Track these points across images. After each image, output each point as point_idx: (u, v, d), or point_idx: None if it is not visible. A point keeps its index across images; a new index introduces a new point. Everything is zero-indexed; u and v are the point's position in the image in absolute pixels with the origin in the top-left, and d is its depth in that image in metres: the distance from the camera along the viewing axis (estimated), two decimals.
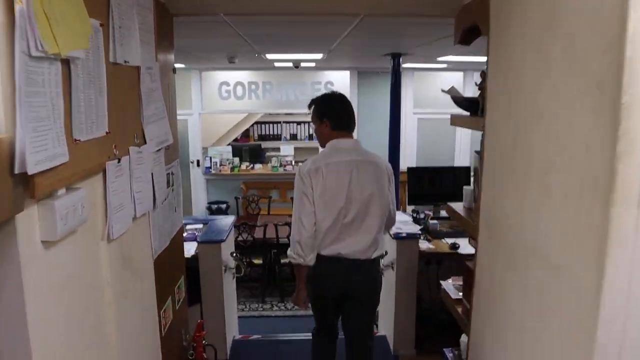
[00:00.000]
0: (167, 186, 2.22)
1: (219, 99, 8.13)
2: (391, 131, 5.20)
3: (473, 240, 2.03)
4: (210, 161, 8.26)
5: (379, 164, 2.78)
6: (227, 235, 3.67)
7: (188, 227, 3.99)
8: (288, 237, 5.45)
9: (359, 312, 2.90)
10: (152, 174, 1.92)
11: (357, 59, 7.02)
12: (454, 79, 8.34)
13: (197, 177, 8.34)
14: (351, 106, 2.85)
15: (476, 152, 2.04)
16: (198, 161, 8.26)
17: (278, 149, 9.33)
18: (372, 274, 2.83)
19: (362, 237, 2.73)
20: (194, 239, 3.77)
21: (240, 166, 8.35)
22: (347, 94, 8.32)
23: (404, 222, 3.89)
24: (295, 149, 9.23)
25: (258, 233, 5.65)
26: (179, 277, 2.44)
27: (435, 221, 4.05)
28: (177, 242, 2.38)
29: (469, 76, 8.20)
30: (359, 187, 2.68)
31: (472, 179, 2.33)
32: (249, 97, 8.17)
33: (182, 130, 8.19)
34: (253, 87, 8.14)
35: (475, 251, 1.96)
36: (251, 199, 7.07)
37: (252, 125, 10.58)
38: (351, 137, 2.82)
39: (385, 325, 4.14)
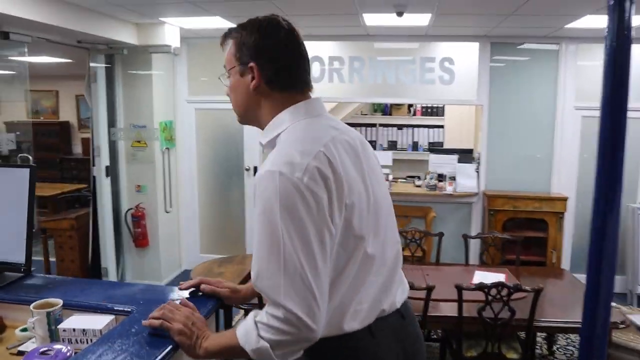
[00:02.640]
0: None
1: None
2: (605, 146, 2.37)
3: None
4: None
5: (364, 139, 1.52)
6: None
7: (63, 325, 1.44)
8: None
9: None
10: None
11: (492, 19, 4.25)
12: None
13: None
14: (300, 36, 1.44)
15: None
16: (255, 168, 5.83)
17: None
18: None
19: (397, 261, 1.54)
20: None
21: None
22: (474, 78, 5.33)
23: None
24: (395, 161, 6.54)
25: None
26: None
27: None
28: None
29: None
30: (375, 180, 1.43)
31: None
32: (329, 79, 5.64)
33: (236, 125, 5.79)
34: (336, 63, 5.59)
35: None
36: None
37: None
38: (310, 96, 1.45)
39: None
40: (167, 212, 5.50)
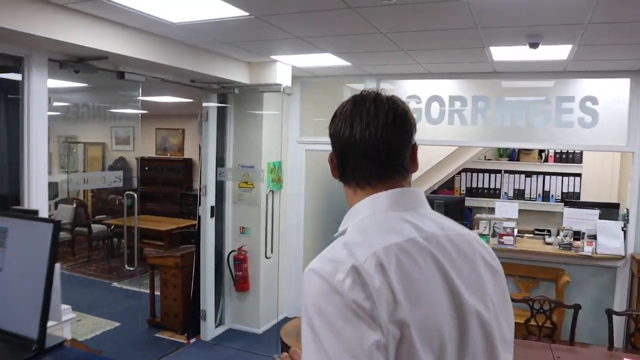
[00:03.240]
0: None
1: None
2: None
3: None
4: None
5: (479, 242, 1.15)
6: None
7: None
8: None
9: None
10: None
11: None
12: None
13: None
14: (391, 115, 1.12)
15: None
16: None
17: (492, 210, 5.96)
18: None
19: None
20: None
21: None
22: (623, 120, 4.48)
23: None
24: (521, 212, 5.82)
25: None
26: None
27: None
28: None
29: None
30: (479, 306, 1.06)
31: None
32: (449, 120, 5.15)
33: None
34: (457, 104, 5.11)
35: None
36: None
37: (459, 173, 7.48)
38: (404, 184, 1.15)
39: None
40: (267, 258, 5.26)
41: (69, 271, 7.54)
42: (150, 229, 7.94)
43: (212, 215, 5.08)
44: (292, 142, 5.66)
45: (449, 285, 1.04)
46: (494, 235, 5.02)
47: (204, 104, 5.04)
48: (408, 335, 0.96)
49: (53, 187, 8.87)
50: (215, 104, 5.10)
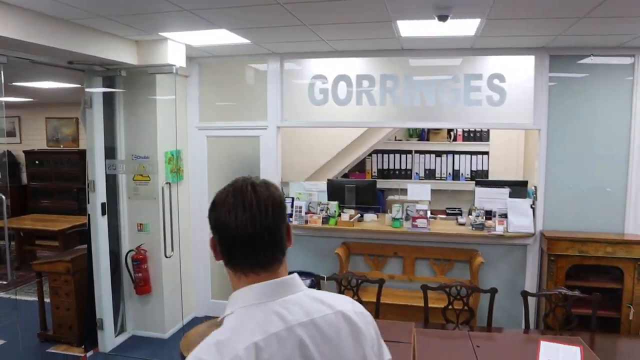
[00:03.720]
0: None
1: (310, 104, 4.97)
2: None
3: None
4: (292, 205, 5.06)
5: (348, 315, 1.24)
6: None
7: None
8: None
9: None
10: None
11: (556, 25, 3.47)
12: None
13: None
14: (270, 204, 1.20)
15: None
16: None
17: (404, 192, 5.81)
18: None
19: None
20: None
21: (339, 216, 5.05)
22: (530, 97, 4.38)
23: None
24: (434, 192, 5.71)
25: None
26: None
27: None
28: None
29: None
30: None
31: None
32: (357, 100, 4.91)
33: (252, 154, 5.13)
34: (365, 83, 4.88)
35: None
36: (345, 282, 3.73)
37: (370, 155, 7.33)
38: (279, 273, 1.24)
39: None
40: (167, 257, 4.80)
41: None
42: (42, 230, 7.19)
43: (103, 213, 4.54)
44: (191, 129, 5.21)
45: None
46: (407, 219, 4.87)
47: (87, 89, 4.47)
48: None
49: None
50: (101, 89, 4.54)
